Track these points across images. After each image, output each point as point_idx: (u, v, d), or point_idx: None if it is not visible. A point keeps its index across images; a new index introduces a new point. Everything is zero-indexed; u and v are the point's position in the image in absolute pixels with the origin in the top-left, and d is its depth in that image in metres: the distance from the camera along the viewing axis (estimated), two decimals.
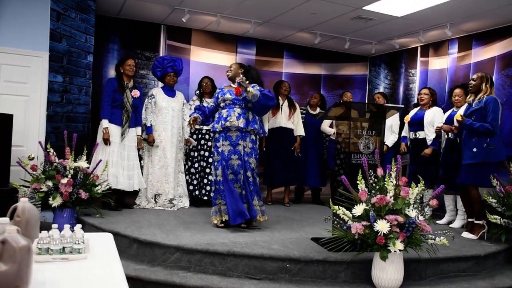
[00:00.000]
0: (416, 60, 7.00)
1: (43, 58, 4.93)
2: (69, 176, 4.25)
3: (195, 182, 5.63)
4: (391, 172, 3.34)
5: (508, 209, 4.29)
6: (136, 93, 5.07)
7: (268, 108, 4.39)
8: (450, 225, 5.11)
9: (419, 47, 6.93)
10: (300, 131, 6.11)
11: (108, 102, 4.95)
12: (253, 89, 4.16)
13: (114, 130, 4.96)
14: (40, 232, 2.23)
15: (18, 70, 4.82)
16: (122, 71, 5.07)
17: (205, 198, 5.59)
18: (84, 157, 4.46)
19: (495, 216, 4.31)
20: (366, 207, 3.24)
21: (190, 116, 4.50)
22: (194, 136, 5.69)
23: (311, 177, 6.29)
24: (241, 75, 4.15)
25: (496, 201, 4.39)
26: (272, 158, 5.99)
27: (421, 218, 3.18)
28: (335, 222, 3.38)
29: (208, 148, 5.70)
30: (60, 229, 2.41)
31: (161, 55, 6.49)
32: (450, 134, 5.03)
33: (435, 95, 5.55)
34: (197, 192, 5.61)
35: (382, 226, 3.10)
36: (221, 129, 4.26)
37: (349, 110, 3.71)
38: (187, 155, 5.69)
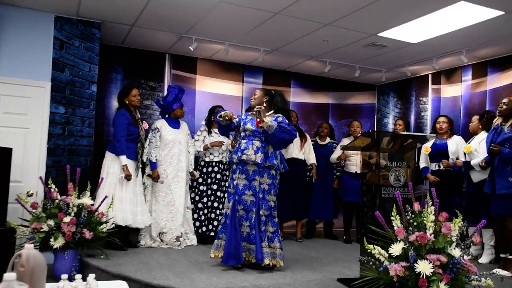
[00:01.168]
0: (428, 87, 6.82)
1: (44, 88, 4.70)
2: (72, 214, 3.92)
3: (202, 217, 5.30)
4: (427, 207, 3.07)
5: None
6: (146, 125, 4.84)
7: (285, 142, 4.00)
8: (478, 260, 4.79)
9: (430, 75, 6.76)
10: (312, 159, 5.88)
11: (124, 136, 4.64)
12: (270, 120, 3.88)
13: (130, 165, 4.67)
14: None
15: (18, 101, 4.58)
16: (127, 102, 4.81)
17: (212, 234, 5.26)
18: (88, 193, 4.15)
19: None
20: (405, 246, 2.94)
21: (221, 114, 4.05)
22: (204, 169, 5.40)
23: (322, 209, 6.00)
24: (262, 106, 3.93)
25: None
26: (283, 191, 5.67)
27: (466, 257, 2.89)
28: (370, 262, 3.06)
29: (217, 181, 5.40)
30: (64, 272, 2.11)
31: (166, 84, 6.26)
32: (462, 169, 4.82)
33: (453, 124, 5.35)
34: (204, 229, 5.27)
35: (424, 267, 2.79)
36: (238, 161, 3.98)
37: (378, 140, 3.45)
38: (193, 189, 5.38)
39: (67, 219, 3.85)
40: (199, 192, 5.38)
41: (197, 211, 5.31)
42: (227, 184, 5.40)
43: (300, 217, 5.94)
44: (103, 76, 5.63)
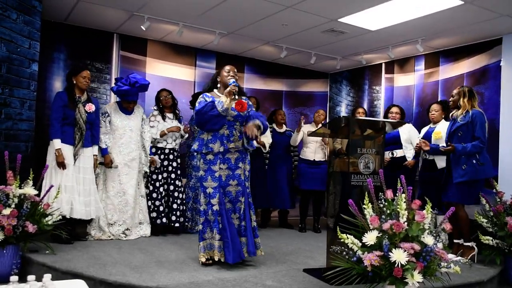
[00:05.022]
0: (381, 76, 6.87)
1: None
2: (13, 206, 3.51)
3: (161, 208, 4.99)
4: (399, 194, 3.01)
5: (499, 229, 4.10)
6: (90, 107, 4.43)
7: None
8: None
9: (383, 63, 6.81)
10: (267, 142, 5.67)
11: (57, 119, 4.29)
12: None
13: (67, 151, 4.28)
14: None
15: None
16: (74, 82, 4.43)
17: (177, 225, 5.03)
18: (31, 182, 3.74)
19: (487, 237, 4.11)
20: (378, 235, 2.86)
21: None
22: (156, 156, 5.09)
23: (281, 199, 5.86)
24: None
25: (486, 221, 4.21)
26: None
27: (439, 245, 2.85)
28: (344, 252, 2.94)
29: (174, 170, 5.12)
30: (3, 271, 1.83)
31: (113, 66, 5.86)
32: (426, 155, 4.84)
33: (404, 114, 5.38)
34: (164, 220, 4.97)
35: (399, 256, 2.72)
36: (222, 150, 3.67)
37: (348, 127, 3.34)
38: (148, 178, 5.06)
39: (6, 211, 3.43)
40: (152, 181, 5.07)
41: (152, 201, 5.00)
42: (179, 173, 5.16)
43: (257, 206, 5.79)
44: (44, 55, 5.14)
